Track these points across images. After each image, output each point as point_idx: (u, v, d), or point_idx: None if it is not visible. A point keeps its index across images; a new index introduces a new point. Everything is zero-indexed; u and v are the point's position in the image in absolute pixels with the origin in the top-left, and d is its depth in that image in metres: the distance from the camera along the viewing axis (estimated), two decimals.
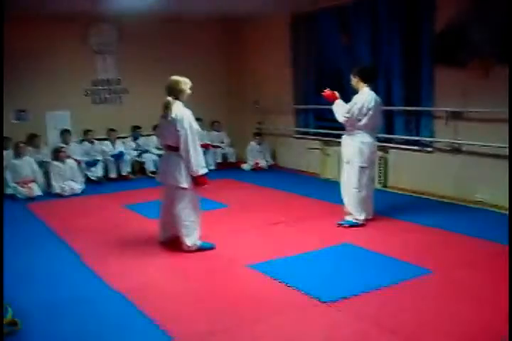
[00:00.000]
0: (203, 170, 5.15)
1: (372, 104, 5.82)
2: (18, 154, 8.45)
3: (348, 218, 6.06)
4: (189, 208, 5.21)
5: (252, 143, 10.29)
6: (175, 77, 5.18)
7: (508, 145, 6.19)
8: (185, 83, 5.16)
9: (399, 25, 7.64)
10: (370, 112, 5.81)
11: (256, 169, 10.10)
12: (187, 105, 5.19)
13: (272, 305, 4.04)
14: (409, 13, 7.48)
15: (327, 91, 6.09)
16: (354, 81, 5.95)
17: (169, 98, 5.10)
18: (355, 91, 5.97)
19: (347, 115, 5.84)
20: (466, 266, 4.70)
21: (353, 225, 6.00)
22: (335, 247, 5.34)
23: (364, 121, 5.84)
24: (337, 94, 6.06)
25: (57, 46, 9.31)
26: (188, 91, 5.17)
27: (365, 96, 5.84)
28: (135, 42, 9.94)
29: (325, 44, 9.15)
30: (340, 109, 5.93)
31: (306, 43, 9.49)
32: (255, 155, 10.22)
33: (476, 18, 6.53)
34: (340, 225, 6.04)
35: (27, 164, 8.45)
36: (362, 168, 5.94)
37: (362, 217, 6.01)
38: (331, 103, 6.06)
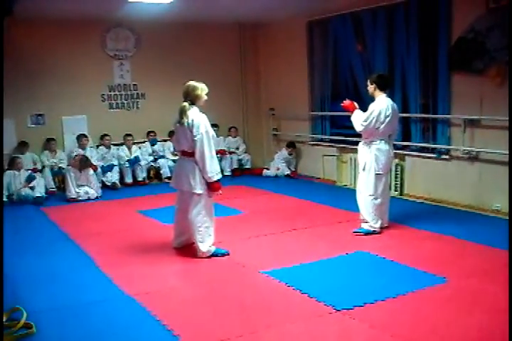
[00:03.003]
0: (217, 176, 5.15)
1: (390, 111, 5.79)
2: (14, 168, 8.40)
3: (364, 226, 6.02)
4: (203, 214, 5.19)
5: (284, 152, 10.22)
6: (192, 83, 5.18)
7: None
8: (202, 89, 5.15)
9: (415, 33, 7.59)
10: (388, 119, 5.79)
11: (275, 176, 10.10)
12: (203, 110, 5.20)
13: (286, 312, 4.02)
14: (426, 20, 7.44)
15: (346, 102, 6.09)
16: (371, 88, 5.93)
17: (185, 103, 5.10)
18: (372, 99, 5.96)
19: (364, 123, 5.81)
20: (481, 275, 4.63)
21: (368, 233, 5.96)
22: (350, 255, 5.30)
23: (381, 128, 5.81)
24: (356, 104, 6.06)
25: (75, 51, 9.35)
26: (205, 97, 5.17)
27: (382, 103, 5.81)
28: (152, 48, 9.98)
29: (341, 51, 9.14)
30: (358, 118, 5.92)
31: (322, 50, 9.48)
32: (281, 164, 10.18)
33: (492, 26, 6.49)
34: (355, 233, 6.01)
35: (23, 176, 8.43)
36: (378, 175, 5.91)
37: (377, 224, 5.98)
38: (350, 113, 6.05)
